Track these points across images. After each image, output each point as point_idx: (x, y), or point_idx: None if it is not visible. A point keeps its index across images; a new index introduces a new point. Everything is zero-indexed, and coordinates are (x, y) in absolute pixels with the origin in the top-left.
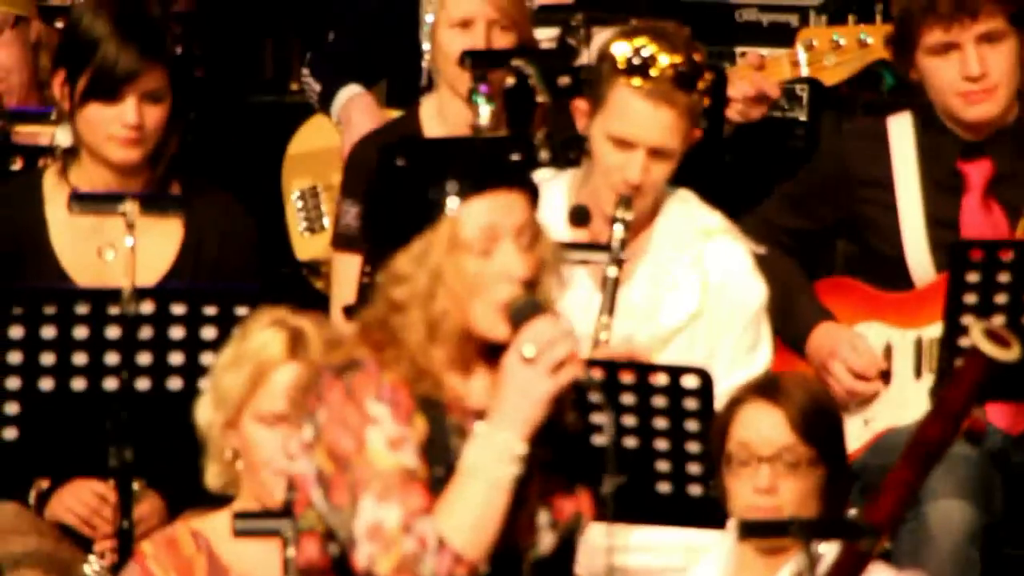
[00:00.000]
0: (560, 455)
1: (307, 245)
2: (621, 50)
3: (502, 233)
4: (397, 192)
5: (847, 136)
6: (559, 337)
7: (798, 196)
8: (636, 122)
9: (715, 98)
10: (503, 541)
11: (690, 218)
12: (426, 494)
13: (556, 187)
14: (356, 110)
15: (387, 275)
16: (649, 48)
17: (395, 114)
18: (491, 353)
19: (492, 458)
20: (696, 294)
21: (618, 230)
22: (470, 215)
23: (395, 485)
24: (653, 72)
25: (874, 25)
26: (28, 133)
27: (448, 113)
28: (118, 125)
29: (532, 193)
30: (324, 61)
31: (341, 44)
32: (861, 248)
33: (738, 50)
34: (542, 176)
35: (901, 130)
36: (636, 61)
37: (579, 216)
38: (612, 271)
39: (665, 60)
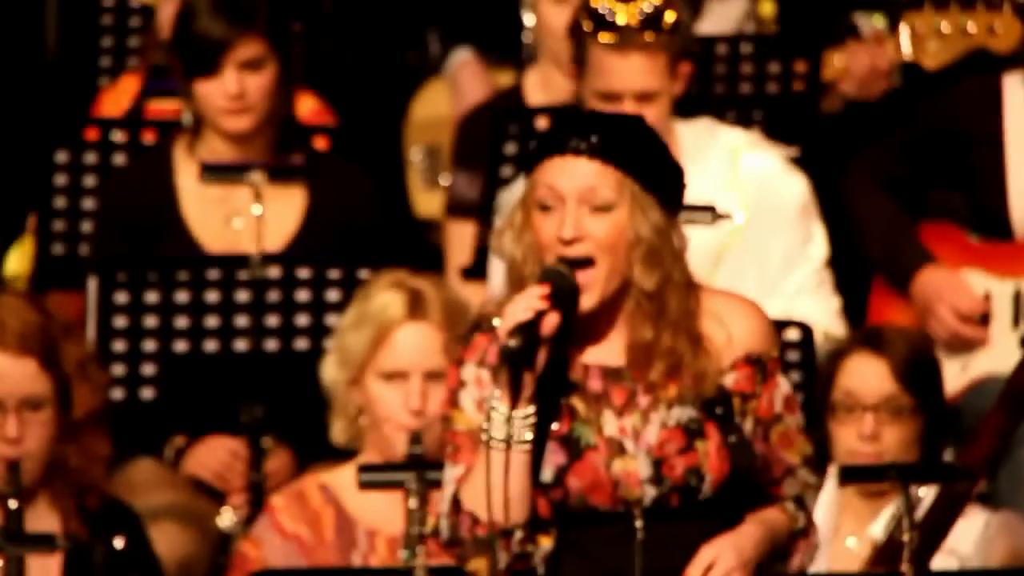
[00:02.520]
0: (704, 413)
1: (426, 202)
2: (585, 12)
3: (565, 195)
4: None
5: (962, 91)
6: (513, 309)
7: (908, 144)
8: (614, 75)
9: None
10: (611, 490)
11: (714, 141)
12: None
13: None
14: (464, 75)
15: None
16: (607, 2)
17: (504, 75)
18: (599, 310)
19: (496, 424)
20: (734, 211)
21: None
22: (540, 175)
23: (466, 446)
24: (617, 23)
25: (975, 12)
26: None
27: (551, 84)
28: (221, 97)
29: (616, 163)
30: (449, 24)
31: (461, 9)
32: (965, 200)
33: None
34: None
35: (1015, 87)
36: (598, 18)
37: None
38: None
39: (623, 9)
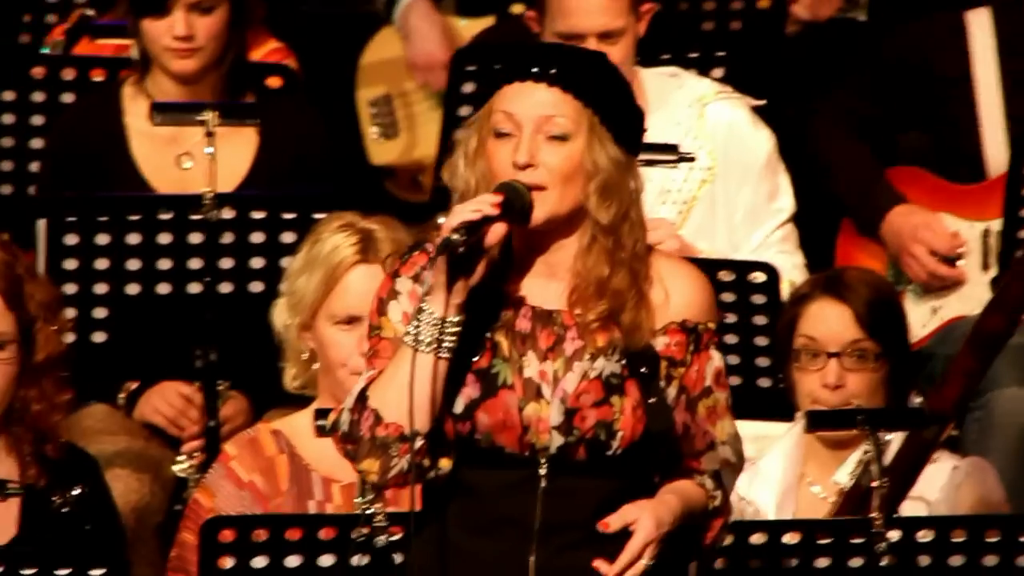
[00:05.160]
0: (628, 370)
1: (381, 150)
2: None
3: (522, 121)
4: None
5: (925, 30)
6: (461, 208)
7: (875, 85)
8: (575, 13)
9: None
10: (520, 433)
11: (682, 91)
12: None
13: None
14: (415, 16)
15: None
16: None
17: (461, 22)
18: (535, 241)
19: (417, 324)
20: (702, 162)
21: None
22: (498, 101)
23: (386, 353)
24: None
25: None
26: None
27: None
28: (169, 37)
29: (576, 92)
30: None
31: None
32: (935, 142)
33: None
34: None
35: (980, 25)
36: None
37: None
38: None
39: None
